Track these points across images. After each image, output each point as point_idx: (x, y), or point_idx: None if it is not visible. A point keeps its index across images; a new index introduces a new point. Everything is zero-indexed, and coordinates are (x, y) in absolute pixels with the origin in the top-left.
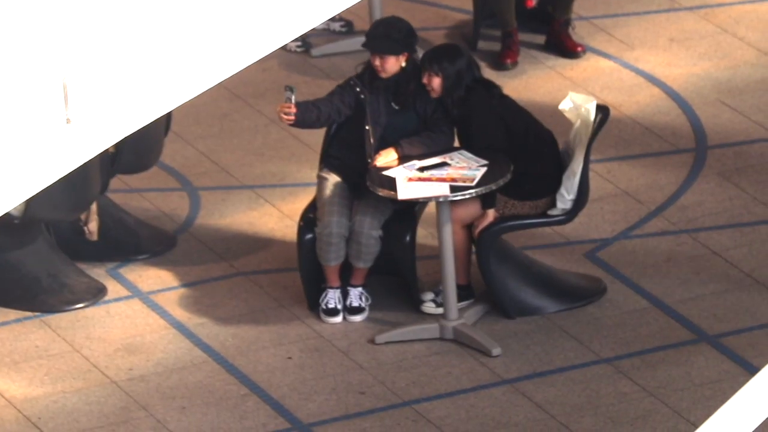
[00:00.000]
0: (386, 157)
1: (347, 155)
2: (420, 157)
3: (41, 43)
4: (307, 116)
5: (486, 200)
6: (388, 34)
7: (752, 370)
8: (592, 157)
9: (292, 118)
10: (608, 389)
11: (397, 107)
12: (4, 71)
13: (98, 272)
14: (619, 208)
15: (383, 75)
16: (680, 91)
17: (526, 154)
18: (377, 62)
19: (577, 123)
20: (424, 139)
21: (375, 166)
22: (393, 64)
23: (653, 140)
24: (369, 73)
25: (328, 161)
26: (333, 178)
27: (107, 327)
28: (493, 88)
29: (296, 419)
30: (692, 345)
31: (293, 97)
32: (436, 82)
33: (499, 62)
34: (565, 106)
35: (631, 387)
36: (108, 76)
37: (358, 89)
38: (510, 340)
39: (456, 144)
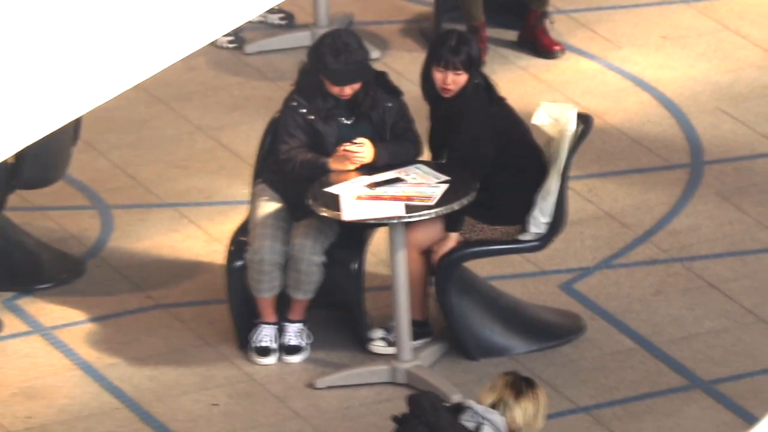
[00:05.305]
0: (363, 148)
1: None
2: (371, 172)
3: None
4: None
5: (451, 222)
6: (351, 61)
7: (753, 422)
8: (571, 174)
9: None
10: None
11: (348, 122)
12: None
13: None
14: (601, 233)
15: (346, 97)
16: (674, 98)
17: (513, 172)
18: (342, 90)
19: (555, 134)
20: (396, 147)
21: (344, 150)
22: (358, 85)
23: (642, 154)
24: (320, 93)
25: (263, 176)
26: (269, 195)
27: (3, 368)
28: (493, 91)
29: None
30: (684, 392)
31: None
32: (461, 81)
33: None
34: (540, 120)
35: None
36: (7, 76)
37: (304, 110)
38: (472, 385)
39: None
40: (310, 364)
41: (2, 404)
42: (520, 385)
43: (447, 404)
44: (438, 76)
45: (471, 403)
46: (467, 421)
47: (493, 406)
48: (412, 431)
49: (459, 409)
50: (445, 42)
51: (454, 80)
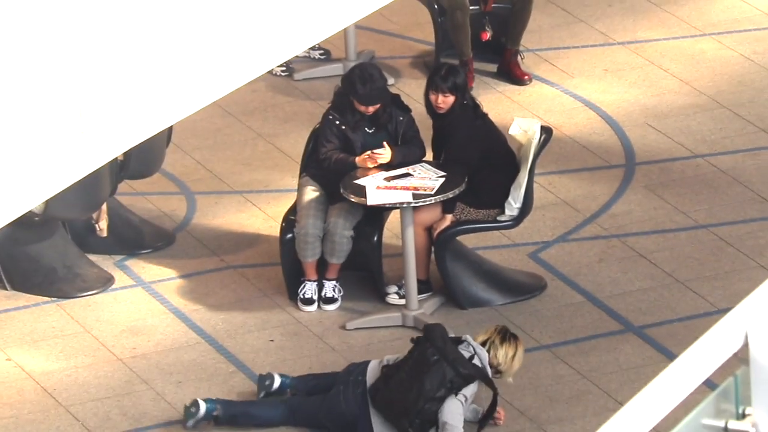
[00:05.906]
0: (386, 152)
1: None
2: (387, 168)
3: (60, 72)
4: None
5: (447, 206)
6: (374, 87)
7: (672, 357)
8: (536, 171)
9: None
10: (547, 372)
11: (370, 131)
12: (31, 97)
13: (107, 264)
14: (558, 215)
15: (369, 113)
16: (613, 115)
17: (493, 169)
18: (367, 109)
19: (524, 141)
20: (406, 150)
21: (373, 152)
22: (379, 105)
23: (589, 157)
24: (350, 110)
25: (307, 170)
26: (312, 186)
27: (114, 311)
28: (478, 108)
29: None
30: (620, 335)
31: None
32: (450, 101)
33: None
34: (514, 131)
35: (566, 370)
36: (117, 95)
37: (338, 122)
38: (462, 328)
39: (427, 156)
40: (342, 311)
41: (114, 338)
42: (506, 334)
43: (451, 336)
44: (432, 97)
45: (467, 337)
46: (464, 350)
47: (483, 343)
48: (424, 351)
49: (458, 340)
50: (438, 72)
51: (444, 101)
